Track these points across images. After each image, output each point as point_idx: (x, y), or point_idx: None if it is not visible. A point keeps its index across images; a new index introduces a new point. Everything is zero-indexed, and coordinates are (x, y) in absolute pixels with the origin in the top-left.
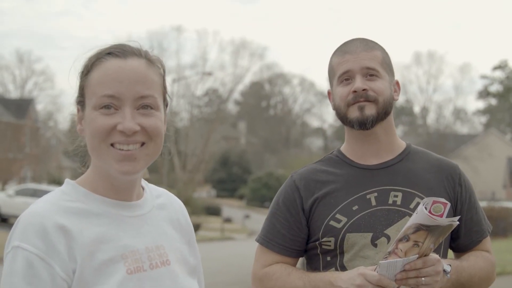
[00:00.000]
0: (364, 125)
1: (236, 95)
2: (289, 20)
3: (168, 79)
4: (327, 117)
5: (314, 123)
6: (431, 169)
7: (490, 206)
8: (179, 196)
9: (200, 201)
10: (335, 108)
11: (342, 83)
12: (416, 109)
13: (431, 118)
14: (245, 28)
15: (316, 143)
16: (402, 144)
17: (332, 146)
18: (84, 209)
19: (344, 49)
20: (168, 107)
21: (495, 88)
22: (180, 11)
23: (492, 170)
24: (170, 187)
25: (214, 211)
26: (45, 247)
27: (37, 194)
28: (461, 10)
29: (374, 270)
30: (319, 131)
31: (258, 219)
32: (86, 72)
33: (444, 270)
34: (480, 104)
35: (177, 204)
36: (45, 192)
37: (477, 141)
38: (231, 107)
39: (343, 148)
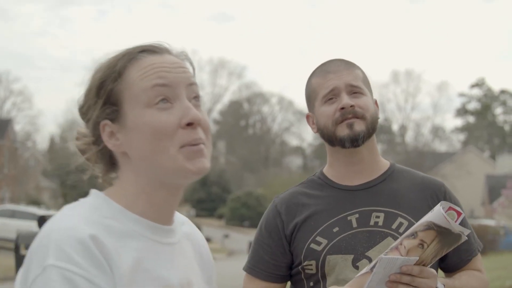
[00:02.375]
0: (356, 141)
1: (215, 114)
2: (266, 38)
3: None
4: (306, 136)
5: (293, 142)
6: (415, 188)
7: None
8: None
9: None
10: (321, 128)
11: (327, 102)
12: (395, 127)
13: (409, 136)
14: (223, 47)
15: (296, 162)
16: (385, 164)
17: (311, 164)
18: (119, 229)
19: (325, 69)
20: None
21: (472, 106)
22: (157, 31)
23: (470, 188)
24: None
25: None
26: (90, 266)
27: (16, 215)
28: (438, 29)
29: (371, 267)
30: (298, 150)
31: (238, 238)
32: (118, 75)
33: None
34: (458, 122)
35: (200, 236)
36: (23, 213)
37: (456, 159)
38: (210, 126)
39: (326, 170)
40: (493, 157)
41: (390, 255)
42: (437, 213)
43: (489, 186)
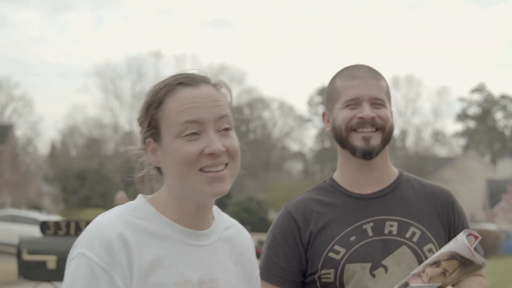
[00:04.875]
0: (369, 155)
1: None
2: (265, 44)
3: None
4: (307, 140)
5: (294, 146)
6: (425, 197)
7: None
8: None
9: None
10: (335, 128)
11: (348, 107)
12: (395, 132)
13: (410, 141)
14: (223, 53)
15: (296, 166)
16: (395, 172)
17: (312, 169)
18: (150, 229)
19: (352, 74)
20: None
21: (473, 110)
22: (157, 37)
23: (471, 192)
24: None
25: None
26: (109, 259)
27: (17, 220)
28: (438, 34)
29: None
30: (299, 155)
31: None
32: (158, 104)
33: None
34: (459, 127)
35: (246, 239)
36: (24, 218)
37: (456, 164)
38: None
39: (336, 176)
40: (493, 161)
41: (413, 282)
42: (461, 244)
43: (489, 191)
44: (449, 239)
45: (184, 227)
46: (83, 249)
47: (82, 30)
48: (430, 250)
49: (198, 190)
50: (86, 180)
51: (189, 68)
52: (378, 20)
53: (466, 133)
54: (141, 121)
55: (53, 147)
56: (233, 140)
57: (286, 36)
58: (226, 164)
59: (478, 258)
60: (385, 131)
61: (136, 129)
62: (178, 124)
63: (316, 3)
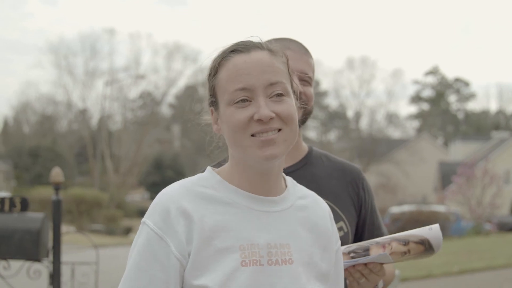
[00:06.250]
0: None
1: (170, 98)
2: (220, 22)
3: (102, 82)
4: None
5: None
6: (335, 173)
7: (419, 209)
8: (111, 199)
9: (133, 204)
10: None
11: None
12: (349, 113)
13: (363, 123)
14: (178, 31)
15: None
16: (305, 148)
17: None
18: (214, 196)
19: (286, 45)
20: (296, 95)
21: (427, 93)
22: (111, 14)
23: (423, 174)
24: (103, 190)
25: None
26: (164, 226)
27: None
28: (393, 16)
29: (351, 249)
30: None
31: None
32: (214, 73)
33: (376, 285)
34: (412, 109)
35: (323, 209)
36: None
37: (409, 146)
38: (165, 110)
39: None
40: (446, 144)
41: (374, 250)
42: (436, 235)
43: (441, 173)
44: (359, 217)
45: (250, 193)
46: (145, 218)
47: (36, 6)
48: (340, 229)
49: (251, 154)
50: (38, 158)
51: (143, 45)
52: (334, 1)
53: (419, 115)
54: (207, 88)
55: (5, 124)
56: (286, 106)
57: (240, 15)
58: (280, 130)
59: (437, 250)
60: (306, 109)
61: (89, 106)
62: (229, 92)
63: None
